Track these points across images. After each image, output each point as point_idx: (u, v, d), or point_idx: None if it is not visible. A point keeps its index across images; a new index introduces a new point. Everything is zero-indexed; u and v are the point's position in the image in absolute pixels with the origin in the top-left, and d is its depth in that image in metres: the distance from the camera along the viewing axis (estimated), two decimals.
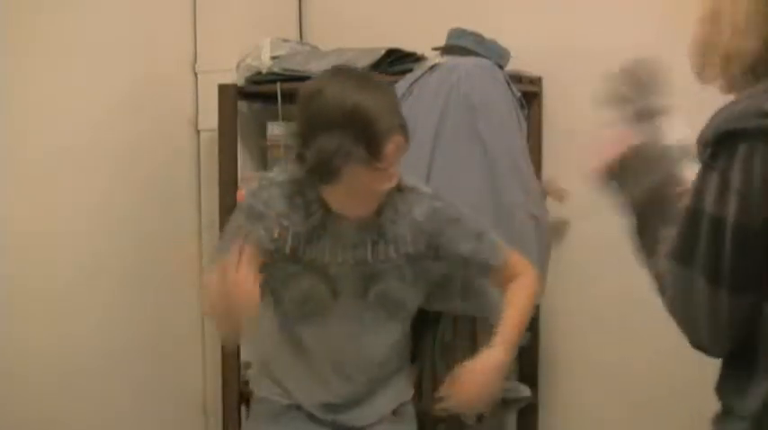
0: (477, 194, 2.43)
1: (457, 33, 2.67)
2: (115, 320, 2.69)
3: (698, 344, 1.30)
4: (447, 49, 2.65)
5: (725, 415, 1.33)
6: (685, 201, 1.27)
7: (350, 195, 1.86)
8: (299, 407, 2.14)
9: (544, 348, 2.97)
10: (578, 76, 2.86)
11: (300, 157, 1.81)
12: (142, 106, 2.76)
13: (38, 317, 2.44)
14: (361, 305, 2.02)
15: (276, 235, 1.93)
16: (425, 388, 2.57)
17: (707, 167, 1.22)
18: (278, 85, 2.83)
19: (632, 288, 2.84)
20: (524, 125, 2.61)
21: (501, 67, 2.63)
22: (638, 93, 1.57)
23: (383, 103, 1.80)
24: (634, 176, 1.45)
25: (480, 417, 2.60)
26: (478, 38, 2.66)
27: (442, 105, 2.47)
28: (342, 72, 1.87)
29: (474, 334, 2.55)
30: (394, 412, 2.18)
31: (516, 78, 2.70)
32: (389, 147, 1.79)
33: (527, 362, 2.95)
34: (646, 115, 1.54)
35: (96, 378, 2.62)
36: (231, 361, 2.87)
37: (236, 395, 2.87)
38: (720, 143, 1.20)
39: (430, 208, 2.00)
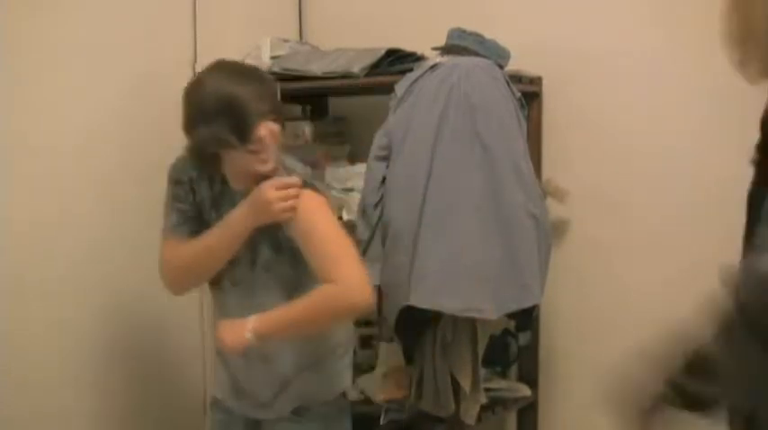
0: (477, 194, 2.43)
1: (457, 33, 2.67)
2: (115, 318, 2.69)
3: None
4: (447, 49, 2.65)
5: None
6: None
7: (234, 174, 2.05)
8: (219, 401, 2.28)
9: (544, 348, 2.97)
10: (578, 76, 2.86)
11: (187, 146, 2.04)
12: (142, 106, 2.76)
13: (37, 313, 2.44)
14: (251, 274, 2.10)
15: (190, 199, 2.15)
16: (426, 388, 2.57)
17: None
18: (278, 84, 2.83)
19: (632, 288, 2.85)
20: (524, 125, 2.61)
21: (501, 66, 2.63)
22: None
23: (254, 91, 1.98)
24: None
25: (480, 417, 2.61)
26: (478, 38, 2.66)
27: (443, 105, 2.47)
28: (221, 65, 2.09)
29: (474, 334, 2.55)
30: (295, 411, 2.16)
31: (516, 78, 2.70)
32: (259, 133, 1.96)
33: (527, 362, 2.96)
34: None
35: (96, 375, 2.62)
36: None
37: None
38: None
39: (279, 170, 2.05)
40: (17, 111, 2.38)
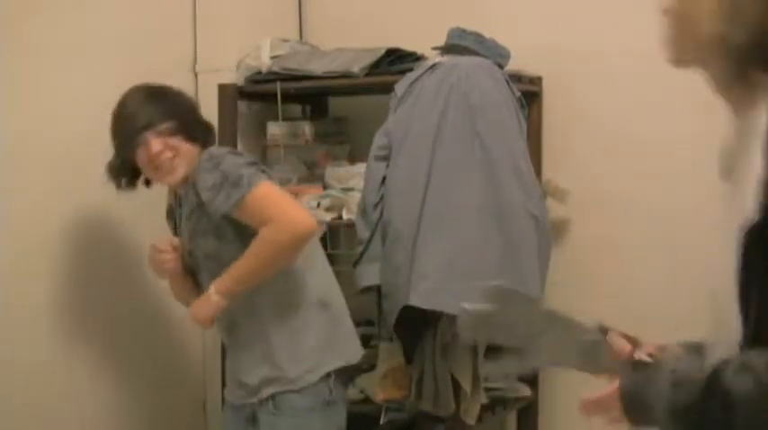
0: (477, 194, 2.43)
1: (457, 33, 2.67)
2: (114, 317, 2.69)
3: None
4: (447, 49, 2.65)
5: None
6: None
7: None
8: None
9: None
10: (578, 76, 2.86)
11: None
12: None
13: (36, 312, 2.44)
14: (202, 262, 2.24)
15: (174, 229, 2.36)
16: (426, 388, 2.57)
17: None
18: (278, 84, 2.83)
19: (632, 288, 2.85)
20: (524, 125, 2.61)
21: (501, 66, 2.63)
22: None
23: (151, 109, 2.17)
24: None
25: (480, 417, 2.61)
26: (478, 37, 2.66)
27: (442, 105, 2.47)
28: (133, 89, 2.24)
29: None
30: (274, 402, 2.22)
31: (516, 78, 2.70)
32: (151, 149, 2.14)
33: None
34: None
35: (97, 373, 2.62)
36: None
37: None
38: None
39: (198, 163, 2.15)
40: (17, 111, 2.39)
